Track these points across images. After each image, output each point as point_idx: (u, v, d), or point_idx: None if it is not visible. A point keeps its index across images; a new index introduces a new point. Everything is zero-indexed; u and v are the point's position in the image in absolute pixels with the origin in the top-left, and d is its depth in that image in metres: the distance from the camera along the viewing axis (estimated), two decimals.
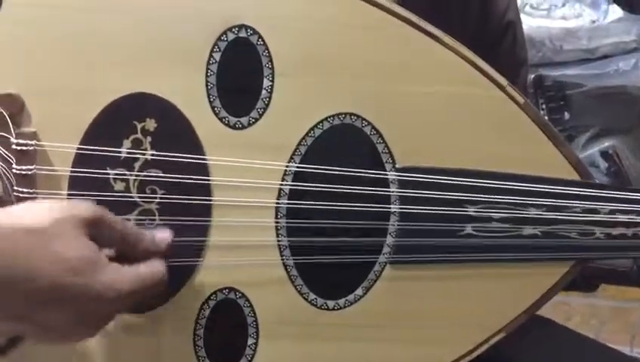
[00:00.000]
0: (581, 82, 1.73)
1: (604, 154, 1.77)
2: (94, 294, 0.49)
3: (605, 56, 1.75)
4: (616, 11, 1.76)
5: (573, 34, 1.71)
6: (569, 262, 0.64)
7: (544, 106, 1.74)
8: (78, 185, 0.57)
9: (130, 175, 0.58)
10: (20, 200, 0.55)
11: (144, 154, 0.58)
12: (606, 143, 1.77)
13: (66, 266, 0.48)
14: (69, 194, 0.57)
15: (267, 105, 0.59)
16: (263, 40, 0.58)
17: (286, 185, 0.60)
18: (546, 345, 0.73)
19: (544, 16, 1.75)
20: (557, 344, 0.75)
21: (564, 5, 1.75)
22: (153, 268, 0.54)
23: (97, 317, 0.52)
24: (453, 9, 0.75)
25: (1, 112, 0.55)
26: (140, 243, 0.55)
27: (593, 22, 1.73)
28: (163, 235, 0.56)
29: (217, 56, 0.58)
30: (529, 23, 1.70)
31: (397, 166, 0.61)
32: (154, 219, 0.58)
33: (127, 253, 0.54)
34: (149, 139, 0.58)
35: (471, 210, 0.61)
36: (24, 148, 0.55)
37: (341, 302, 0.62)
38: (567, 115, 1.75)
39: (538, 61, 1.69)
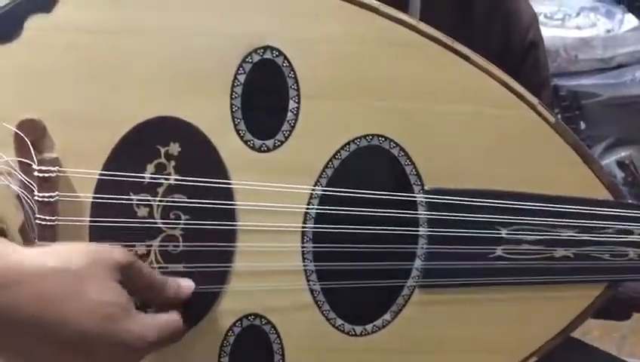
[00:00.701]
0: (597, 92, 1.72)
1: (621, 163, 1.75)
2: (122, 344, 0.49)
3: (621, 66, 1.73)
4: (631, 20, 1.75)
5: (588, 43, 1.70)
6: (602, 285, 0.63)
7: (559, 116, 1.72)
8: (100, 212, 0.56)
9: (154, 200, 0.57)
10: (41, 228, 0.54)
11: (168, 179, 0.57)
12: (622, 153, 1.76)
13: (97, 312, 0.47)
14: (91, 221, 0.56)
15: (293, 127, 0.57)
16: (288, 61, 0.57)
17: (312, 208, 0.58)
18: None
19: (558, 25, 1.74)
20: None
21: (578, 15, 1.74)
22: (174, 319, 0.53)
23: None
24: (475, 30, 0.74)
25: (23, 138, 0.54)
26: (165, 291, 0.54)
27: (608, 31, 1.72)
28: (187, 284, 0.56)
29: (242, 78, 0.57)
30: (543, 33, 1.69)
31: (425, 188, 0.59)
32: (178, 245, 0.57)
33: (152, 300, 0.54)
34: (172, 163, 0.57)
35: (502, 232, 0.60)
36: (46, 175, 0.54)
37: (369, 327, 0.61)
38: (582, 125, 1.74)
39: (553, 71, 1.68)
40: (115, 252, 0.51)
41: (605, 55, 1.73)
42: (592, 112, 1.73)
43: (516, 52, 0.76)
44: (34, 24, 0.55)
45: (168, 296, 0.54)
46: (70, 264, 0.48)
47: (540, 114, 0.59)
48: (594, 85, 1.74)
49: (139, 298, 0.53)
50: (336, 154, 0.58)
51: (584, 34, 1.74)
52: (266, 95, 0.57)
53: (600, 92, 1.73)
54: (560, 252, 0.61)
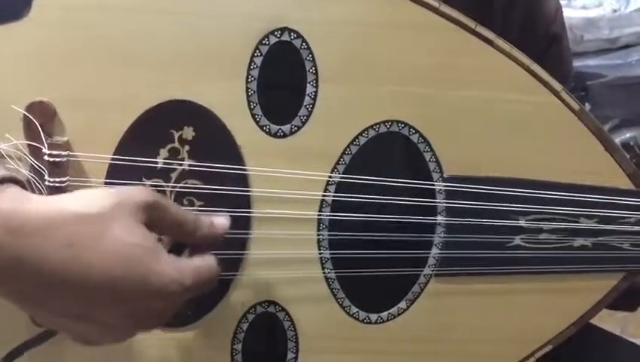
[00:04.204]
0: (602, 73, 1.70)
1: (625, 145, 1.75)
2: (155, 288, 0.46)
3: (627, 46, 1.72)
4: (638, 0, 1.73)
5: (594, 23, 1.68)
6: (619, 274, 0.62)
7: None
8: None
9: (167, 186, 0.55)
10: None
11: (181, 164, 0.55)
12: (627, 134, 1.75)
13: (122, 255, 0.44)
14: None
15: (310, 112, 0.56)
16: (307, 44, 0.55)
17: (329, 196, 0.57)
18: (596, 356, 0.71)
19: (564, 5, 1.71)
20: (607, 353, 0.73)
21: None
22: (209, 262, 0.50)
23: (158, 313, 0.48)
24: (494, 20, 0.70)
25: (33, 122, 0.52)
26: (198, 230, 0.51)
27: (615, 11, 1.70)
28: (221, 221, 0.52)
29: (259, 60, 0.55)
30: None
31: (445, 175, 0.58)
32: None
33: (184, 240, 0.51)
34: (186, 148, 0.55)
35: (521, 221, 0.59)
36: (57, 159, 0.52)
37: (384, 315, 0.60)
38: (587, 106, 1.72)
39: None
40: (137, 192, 0.47)
41: (611, 35, 1.71)
42: (597, 93, 1.71)
43: (537, 45, 0.72)
44: (43, 1, 0.53)
45: (201, 233, 0.51)
46: (92, 207, 0.45)
47: (563, 100, 0.58)
48: (599, 66, 1.72)
49: (171, 239, 0.51)
50: (354, 140, 0.57)
51: (590, 14, 1.72)
52: (283, 79, 0.56)
53: (605, 73, 1.72)
54: (579, 241, 0.60)
